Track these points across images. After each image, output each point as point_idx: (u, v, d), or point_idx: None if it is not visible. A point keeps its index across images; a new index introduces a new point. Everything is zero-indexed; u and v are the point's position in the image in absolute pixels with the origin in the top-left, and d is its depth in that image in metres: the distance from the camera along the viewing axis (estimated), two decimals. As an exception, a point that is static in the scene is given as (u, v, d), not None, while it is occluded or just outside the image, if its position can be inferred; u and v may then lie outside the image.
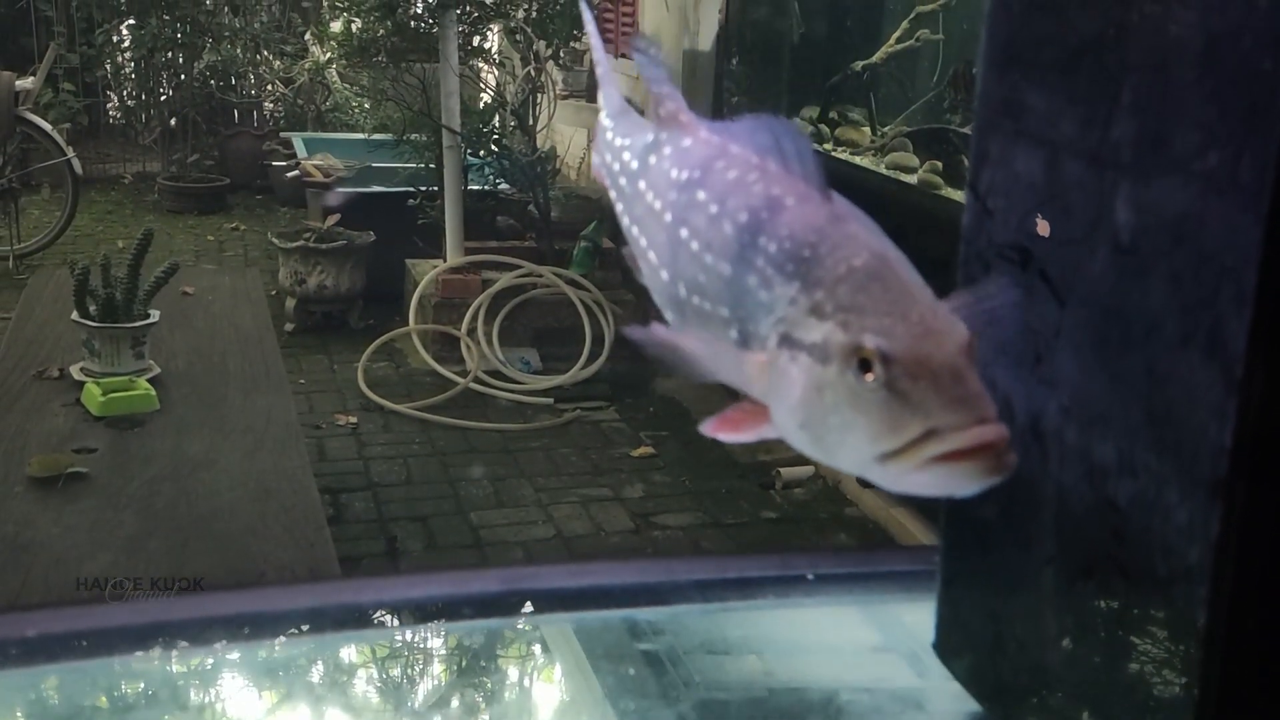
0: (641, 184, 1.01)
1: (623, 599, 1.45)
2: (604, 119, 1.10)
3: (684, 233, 0.94)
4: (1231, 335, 0.78)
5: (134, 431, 3.92)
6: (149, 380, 4.10)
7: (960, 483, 0.80)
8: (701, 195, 0.94)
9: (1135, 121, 0.88)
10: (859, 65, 5.75)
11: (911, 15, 5.54)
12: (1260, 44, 0.75)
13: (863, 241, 0.87)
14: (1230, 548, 0.79)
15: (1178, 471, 0.84)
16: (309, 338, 6.94)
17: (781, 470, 5.33)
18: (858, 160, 5.49)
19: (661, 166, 1.00)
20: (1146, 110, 0.87)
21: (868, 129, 5.82)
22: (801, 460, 5.47)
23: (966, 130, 4.99)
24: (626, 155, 1.05)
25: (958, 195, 4.79)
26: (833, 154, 5.63)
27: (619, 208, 1.05)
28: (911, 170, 5.19)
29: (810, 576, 1.45)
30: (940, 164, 5.02)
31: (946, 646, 1.16)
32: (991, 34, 1.06)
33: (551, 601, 1.44)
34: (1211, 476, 0.81)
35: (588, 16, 1.21)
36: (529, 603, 1.45)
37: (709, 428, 0.92)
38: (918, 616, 1.23)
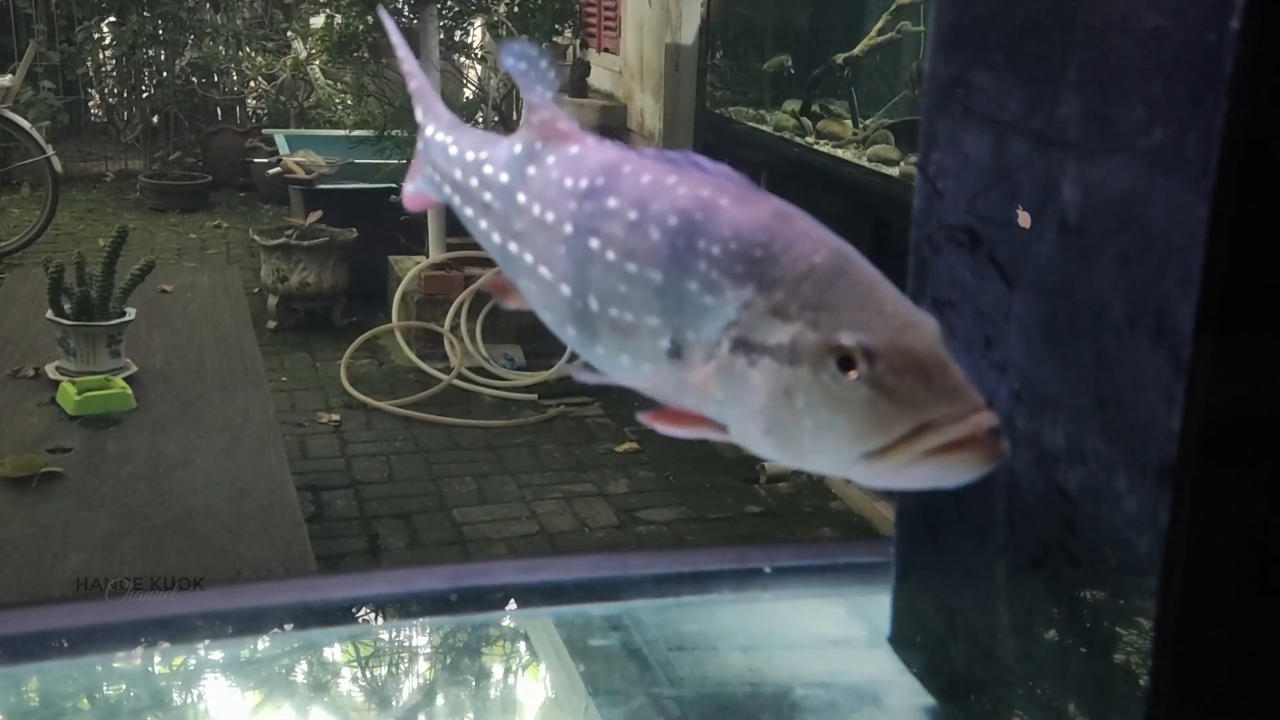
0: (521, 197, 0.96)
1: (576, 594, 1.43)
2: (437, 134, 1.06)
3: (595, 242, 0.90)
4: (1179, 317, 0.76)
5: (110, 430, 3.88)
6: (125, 379, 4.07)
7: (953, 474, 0.78)
8: (614, 202, 0.90)
9: (1081, 99, 0.86)
10: (840, 58, 5.73)
11: (892, 8, 5.52)
12: (1204, 17, 0.73)
13: (818, 238, 0.84)
14: (1180, 537, 0.77)
15: (1127, 458, 0.82)
16: (291, 335, 6.91)
17: (765, 464, 5.32)
18: (840, 153, 5.47)
19: (548, 176, 0.95)
20: (1092, 87, 0.86)
21: (849, 122, 5.80)
22: (786, 454, 5.47)
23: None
24: (488, 169, 1.00)
25: (940, 187, 4.76)
26: (814, 147, 5.62)
27: (481, 225, 1.01)
28: (893, 163, 5.18)
29: (768, 570, 1.44)
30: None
31: (902, 639, 1.15)
32: (940, 13, 1.04)
33: (502, 598, 1.43)
34: (1160, 462, 0.79)
35: (390, 27, 1.16)
36: (477, 601, 1.43)
37: (647, 417, 0.89)
38: (876, 609, 1.21)
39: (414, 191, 1.11)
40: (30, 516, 3.41)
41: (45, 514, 3.43)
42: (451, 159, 1.04)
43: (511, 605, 1.47)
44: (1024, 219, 0.98)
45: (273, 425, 4.11)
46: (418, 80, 1.11)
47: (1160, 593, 0.78)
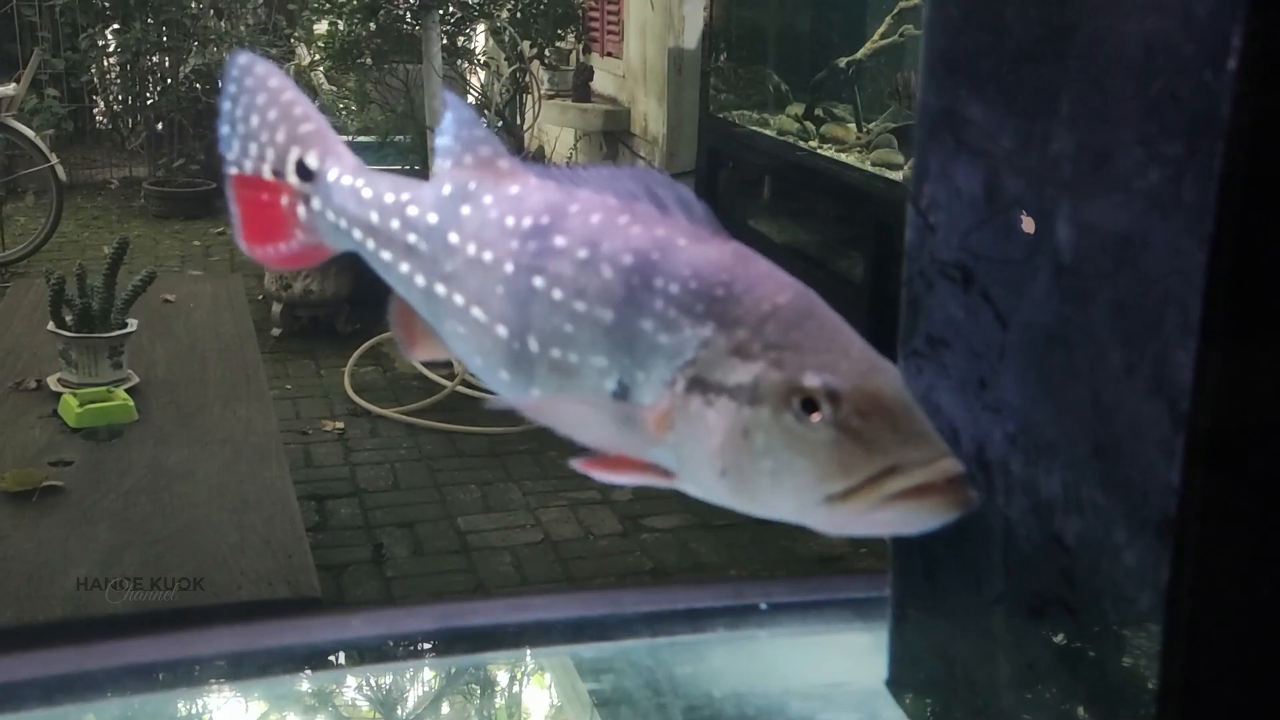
0: (454, 237, 0.95)
1: (563, 635, 1.40)
2: (343, 178, 1.03)
3: (539, 281, 0.89)
4: (1177, 367, 0.73)
5: (111, 443, 3.87)
6: (127, 390, 4.05)
7: (916, 520, 0.77)
8: (561, 241, 0.89)
9: (1074, 136, 0.83)
10: (843, 62, 5.70)
11: (895, 11, 5.49)
12: (1201, 55, 0.70)
13: (780, 279, 0.84)
14: (1182, 595, 0.74)
15: (1125, 510, 0.79)
16: (295, 343, 6.89)
17: (771, 471, 5.29)
18: (843, 157, 5.44)
19: (486, 215, 0.94)
20: (1085, 124, 0.82)
21: (853, 125, 5.77)
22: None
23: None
24: (412, 210, 0.98)
25: (945, 191, 4.73)
26: (817, 151, 5.58)
27: (401, 269, 0.98)
28: (897, 167, 5.14)
29: (763, 606, 1.41)
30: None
31: (900, 684, 1.11)
32: (930, 42, 1.01)
33: (494, 639, 1.40)
34: (1160, 516, 0.75)
35: (276, 74, 1.09)
36: (468, 643, 1.41)
37: (583, 464, 0.87)
38: (873, 648, 1.18)
39: (297, 249, 1.06)
40: (30, 531, 3.39)
41: (45, 528, 3.41)
42: (366, 202, 1.02)
43: (495, 648, 1.44)
44: (1028, 224, 0.95)
45: (274, 436, 4.10)
46: (314, 122, 1.06)
47: (1164, 653, 0.75)
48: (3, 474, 3.57)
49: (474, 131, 0.96)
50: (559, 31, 6.52)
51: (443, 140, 0.98)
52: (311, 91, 9.48)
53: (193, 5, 9.56)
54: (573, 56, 7.89)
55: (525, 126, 6.91)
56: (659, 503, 5.12)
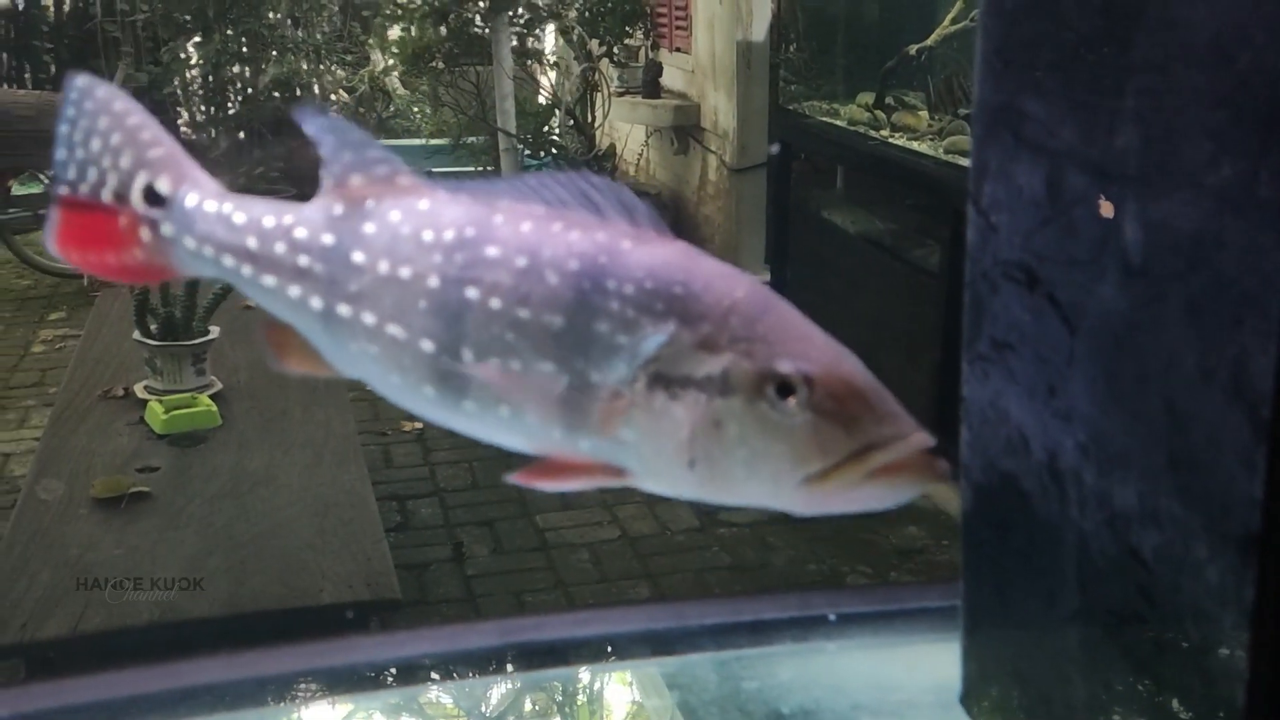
0: (359, 256, 0.94)
1: (629, 649, 1.38)
2: (205, 203, 1.01)
3: (472, 293, 0.89)
4: (1257, 373, 0.68)
5: (196, 449, 3.94)
6: (211, 396, 4.13)
7: (893, 495, 0.80)
8: (494, 251, 0.89)
9: (1140, 129, 0.79)
10: (914, 48, 5.60)
11: (968, -6, 5.39)
12: (1274, 41, 0.65)
13: (732, 274, 0.86)
14: (1267, 615, 0.69)
15: (1205, 523, 0.75)
16: (374, 345, 6.97)
17: (849, 464, 5.23)
18: (916, 146, 5.35)
19: (396, 232, 0.93)
20: (1152, 116, 0.78)
21: (925, 113, 5.67)
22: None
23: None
24: (300, 232, 0.97)
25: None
26: (889, 140, 5.50)
27: (291, 293, 0.97)
28: (969, 154, 5.04)
29: (831, 617, 1.38)
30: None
31: (973, 702, 1.08)
32: (985, 34, 0.97)
33: (554, 654, 1.39)
34: (1242, 532, 0.71)
35: (120, 97, 1.05)
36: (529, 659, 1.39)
37: (521, 476, 0.88)
38: (945, 662, 1.15)
39: (130, 264, 1.03)
40: (119, 537, 3.47)
41: (134, 534, 3.49)
42: (240, 228, 1.00)
43: (562, 662, 1.43)
44: (1106, 208, 0.91)
45: (353, 439, 4.14)
46: (165, 147, 1.04)
47: (1249, 676, 0.71)
48: (93, 481, 3.66)
49: (367, 152, 0.96)
50: (627, 29, 6.50)
51: (327, 160, 0.97)
52: (386, 96, 9.60)
53: (270, 16, 9.72)
54: (641, 53, 7.86)
55: (596, 125, 6.91)
56: (736, 499, 5.08)
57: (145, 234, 1.02)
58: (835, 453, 0.79)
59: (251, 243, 0.99)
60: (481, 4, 6.50)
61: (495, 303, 0.88)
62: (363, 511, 3.67)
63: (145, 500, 3.60)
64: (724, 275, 0.86)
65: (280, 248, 0.98)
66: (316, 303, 0.96)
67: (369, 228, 0.95)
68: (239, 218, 1.00)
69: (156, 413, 3.96)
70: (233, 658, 1.86)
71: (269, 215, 1.00)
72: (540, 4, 6.51)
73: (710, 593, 4.37)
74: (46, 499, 3.58)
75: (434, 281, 0.90)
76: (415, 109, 8.44)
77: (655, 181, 7.41)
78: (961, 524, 1.34)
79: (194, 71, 10.56)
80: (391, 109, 9.73)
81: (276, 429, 4.13)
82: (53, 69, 10.48)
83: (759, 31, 6.58)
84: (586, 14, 6.49)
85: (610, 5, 6.40)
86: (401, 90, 8.83)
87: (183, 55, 10.24)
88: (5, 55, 10.57)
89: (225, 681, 1.60)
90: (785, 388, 0.80)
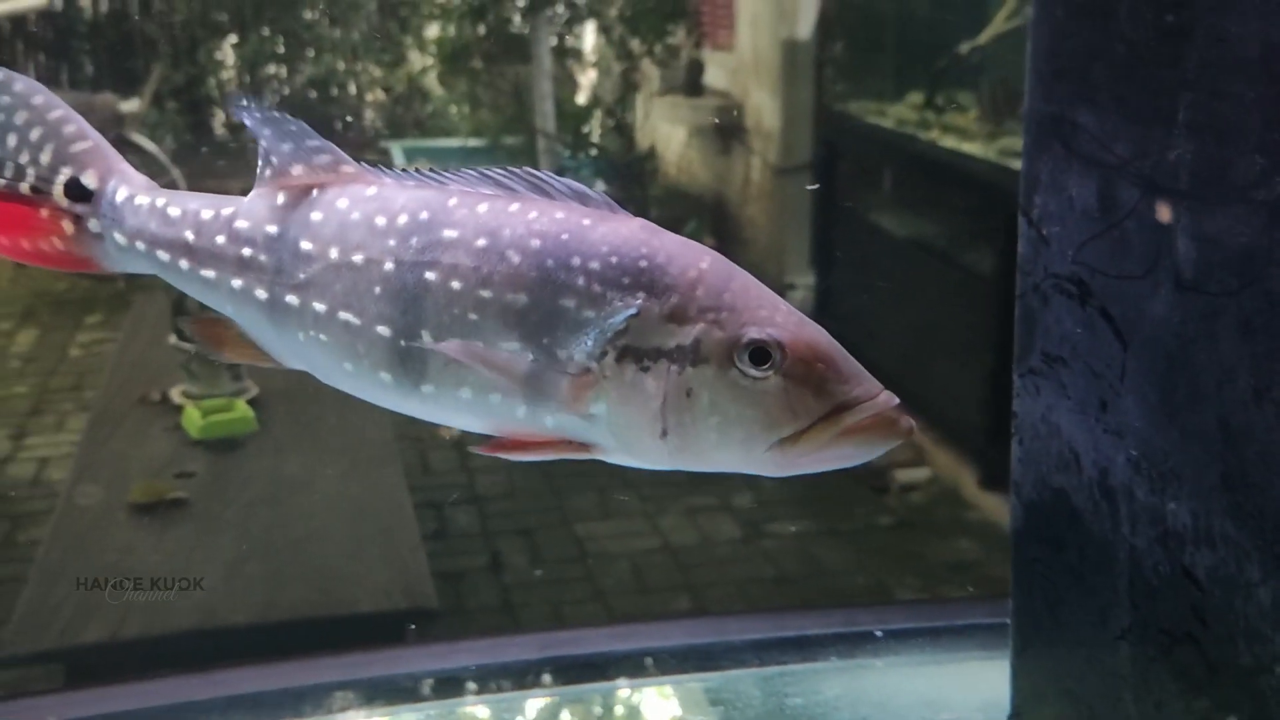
0: (306, 245, 0.94)
1: (670, 663, 1.34)
2: (137, 197, 1.01)
3: (431, 275, 0.89)
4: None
5: (232, 454, 3.91)
6: (247, 402, 4.10)
7: (860, 453, 0.85)
8: (451, 233, 0.90)
9: (1193, 143, 0.77)
10: (966, 47, 5.49)
11: (1020, -9, 5.27)
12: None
13: (694, 247, 0.90)
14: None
15: (1259, 544, 0.72)
16: (412, 347, 6.94)
17: (896, 473, 5.13)
18: (966, 147, 5.24)
19: (346, 218, 0.93)
20: (1205, 131, 0.76)
21: (976, 113, 5.56)
22: (918, 462, 5.26)
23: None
24: (242, 224, 0.97)
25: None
26: (939, 142, 5.39)
27: (233, 284, 0.97)
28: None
29: (878, 634, 1.35)
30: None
31: (1023, 719, 1.03)
32: (1036, 46, 0.95)
33: (591, 668, 1.34)
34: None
35: (40, 91, 1.06)
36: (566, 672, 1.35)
37: (486, 449, 0.91)
38: (994, 679, 1.10)
39: (50, 251, 1.02)
40: (157, 543, 3.44)
41: (171, 540, 3.45)
42: (176, 220, 0.99)
43: (600, 676, 1.39)
44: (1163, 213, 0.88)
45: (390, 445, 4.10)
46: (91, 140, 1.04)
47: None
48: (130, 486, 3.63)
49: (306, 142, 0.96)
50: (668, 27, 6.43)
51: (264, 152, 0.97)
52: (423, 96, 9.58)
53: (307, 15, 9.73)
54: (683, 51, 7.78)
55: (637, 125, 6.84)
56: (780, 508, 5.00)
57: (67, 226, 1.02)
58: (806, 415, 0.83)
59: (189, 236, 0.99)
60: (520, 2, 6.45)
61: (456, 284, 0.89)
62: (400, 519, 3.63)
63: (182, 506, 3.57)
64: (687, 248, 0.90)
65: (221, 239, 0.98)
66: (261, 293, 0.96)
67: (316, 216, 0.95)
68: (174, 211, 1.00)
69: (193, 418, 3.93)
70: (275, 667, 1.82)
71: (207, 208, 1.00)
72: (580, 2, 6.45)
73: (753, 605, 4.28)
74: (85, 504, 3.56)
75: (389, 266, 0.91)
76: (453, 108, 8.41)
77: (697, 182, 7.34)
78: (1011, 540, 1.32)
79: (231, 71, 10.60)
80: (429, 108, 9.72)
81: (312, 435, 4.10)
82: (90, 70, 10.54)
83: (804, 29, 6.48)
84: (627, 12, 6.42)
85: (652, 3, 6.33)
86: (439, 90, 8.80)
87: (219, 55, 10.28)
88: (43, 56, 10.64)
89: (267, 691, 1.56)
90: (757, 354, 0.83)
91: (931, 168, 5.44)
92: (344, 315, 0.93)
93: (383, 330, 0.92)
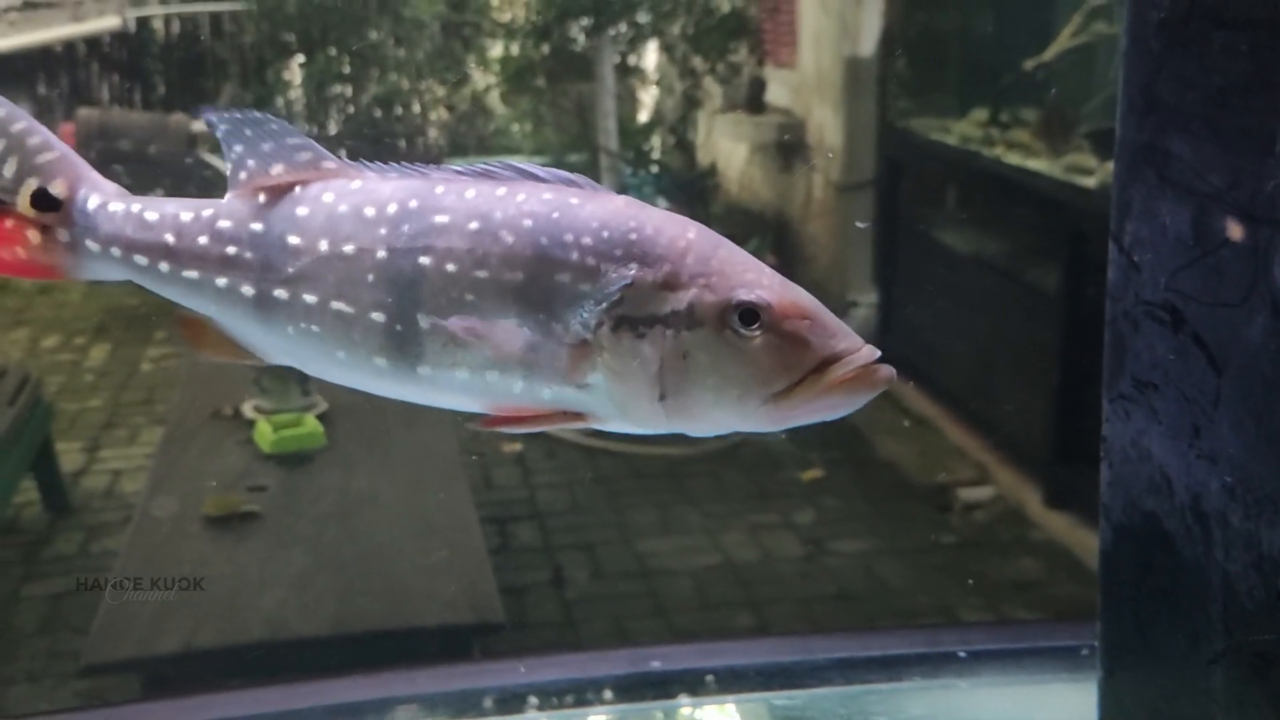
0: (295, 239, 0.96)
1: (754, 682, 1.35)
2: (110, 204, 1.02)
3: (426, 260, 0.92)
4: None
5: (302, 468, 3.97)
6: (317, 416, 4.16)
7: (847, 403, 0.89)
8: (443, 219, 0.92)
9: None
10: (1030, 64, 5.45)
11: (1085, 9, 5.23)
12: None
13: (679, 219, 0.94)
14: None
15: None
16: (474, 363, 7.00)
17: (959, 491, 5.09)
18: (1031, 164, 5.20)
19: (332, 211, 0.96)
20: None
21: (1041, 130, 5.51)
22: (981, 481, 5.22)
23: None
24: (225, 223, 0.99)
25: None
26: (1003, 159, 5.36)
27: (218, 283, 0.99)
28: (1089, 173, 4.89)
29: (962, 654, 1.35)
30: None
31: (1113, 747, 1.03)
32: (1129, 75, 0.95)
33: (674, 686, 1.35)
34: None
35: (13, 111, 1.05)
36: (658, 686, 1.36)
37: (486, 423, 0.93)
38: (1080, 703, 1.10)
39: (13, 261, 1.03)
40: (229, 555, 3.51)
41: (243, 553, 3.52)
42: (154, 225, 1.01)
43: (683, 695, 1.39)
44: (1234, 231, 0.90)
45: (456, 460, 4.15)
46: (57, 151, 1.04)
47: None
48: (204, 499, 3.70)
49: (287, 140, 0.99)
50: (730, 44, 6.45)
51: (242, 154, 1.00)
52: (486, 114, 9.68)
53: (373, 35, 9.88)
54: (745, 69, 7.80)
55: (698, 142, 6.87)
56: (842, 525, 4.98)
57: (33, 236, 1.03)
58: (798, 369, 0.88)
59: (169, 238, 1.01)
60: (584, 21, 6.51)
61: (451, 267, 0.92)
62: (466, 534, 3.67)
63: (254, 519, 3.63)
64: (672, 220, 0.94)
65: (203, 240, 1.00)
66: (248, 289, 0.98)
67: (301, 211, 0.97)
68: (151, 216, 1.02)
69: (265, 432, 4.00)
70: (337, 681, 1.85)
71: (185, 210, 1.02)
72: (643, 21, 6.49)
73: (817, 624, 4.27)
74: (160, 516, 3.63)
75: (382, 254, 0.94)
76: (515, 126, 8.50)
77: (758, 199, 7.35)
78: (1099, 563, 1.31)
79: (298, 90, 10.79)
80: (492, 127, 9.82)
81: (380, 449, 4.15)
82: (162, 90, 10.76)
83: (867, 46, 6.47)
84: (690, 30, 6.45)
85: (715, 21, 6.36)
86: (502, 108, 8.89)
87: (286, 75, 10.47)
88: (117, 77, 10.89)
89: (331, 705, 1.58)
90: (747, 315, 0.88)
91: (995, 184, 5.41)
92: (337, 305, 0.95)
93: (378, 316, 0.94)
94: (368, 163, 1.01)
